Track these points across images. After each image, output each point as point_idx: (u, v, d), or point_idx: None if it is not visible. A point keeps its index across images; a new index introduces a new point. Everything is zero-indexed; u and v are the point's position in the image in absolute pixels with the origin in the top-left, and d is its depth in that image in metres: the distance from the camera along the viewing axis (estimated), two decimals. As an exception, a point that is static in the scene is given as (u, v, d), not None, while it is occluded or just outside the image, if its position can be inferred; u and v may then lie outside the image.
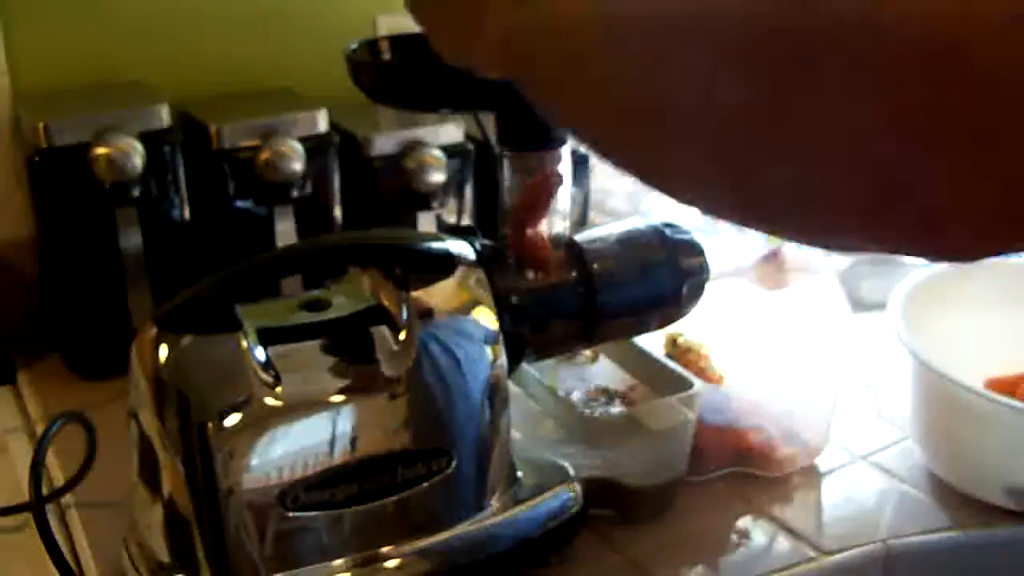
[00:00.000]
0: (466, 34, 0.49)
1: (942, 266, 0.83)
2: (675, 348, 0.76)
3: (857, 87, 0.28)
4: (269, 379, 0.54)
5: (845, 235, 0.34)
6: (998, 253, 0.30)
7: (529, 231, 0.61)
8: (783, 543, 0.69)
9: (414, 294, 0.58)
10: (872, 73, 0.28)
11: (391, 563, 0.58)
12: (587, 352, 0.77)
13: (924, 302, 0.77)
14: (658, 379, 0.72)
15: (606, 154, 0.41)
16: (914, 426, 0.76)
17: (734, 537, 0.69)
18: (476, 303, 0.59)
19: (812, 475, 0.75)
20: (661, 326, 0.67)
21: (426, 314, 0.58)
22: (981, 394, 0.68)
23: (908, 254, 0.34)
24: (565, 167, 0.62)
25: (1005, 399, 0.67)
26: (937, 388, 0.72)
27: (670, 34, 0.35)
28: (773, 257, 1.10)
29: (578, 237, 0.64)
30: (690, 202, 0.38)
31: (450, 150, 0.92)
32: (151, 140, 0.81)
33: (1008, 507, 0.70)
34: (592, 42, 0.38)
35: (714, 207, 0.38)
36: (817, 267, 1.09)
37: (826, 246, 0.36)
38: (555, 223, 0.64)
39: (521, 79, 0.45)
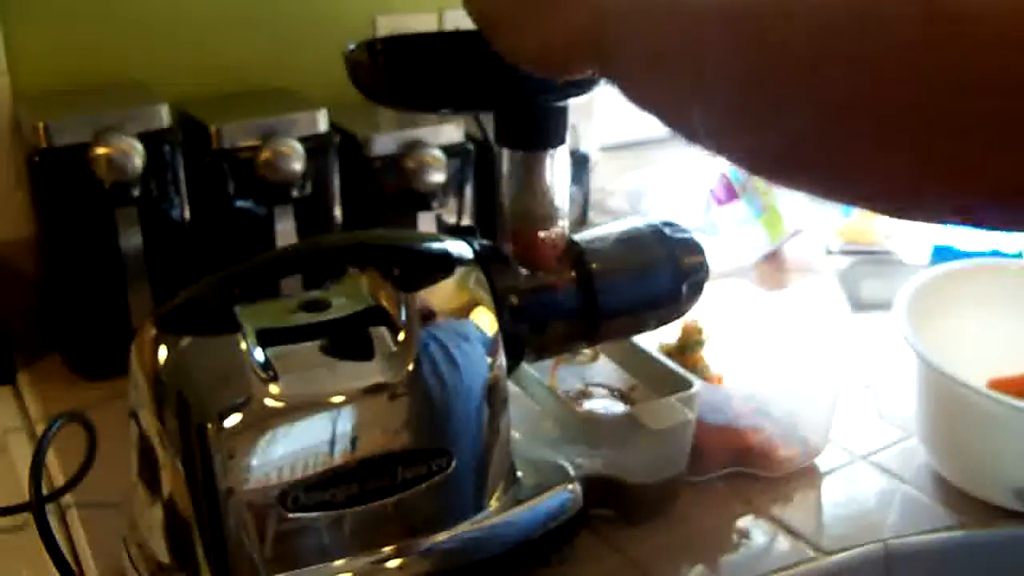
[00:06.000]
0: (541, 26, 0.49)
1: (947, 267, 0.83)
2: (694, 335, 0.77)
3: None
4: (268, 380, 0.54)
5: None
6: None
7: (540, 234, 0.62)
8: (783, 543, 0.69)
9: (413, 294, 0.58)
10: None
11: (391, 563, 0.58)
12: (587, 352, 0.77)
13: (929, 303, 0.77)
14: (658, 379, 0.72)
15: (705, 137, 0.42)
16: (920, 427, 0.76)
17: (734, 537, 0.69)
18: (476, 303, 0.59)
19: (812, 475, 0.75)
20: (661, 325, 0.67)
21: (425, 314, 0.57)
22: (987, 395, 0.68)
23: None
24: (565, 167, 0.62)
25: (1011, 400, 0.67)
26: (943, 389, 0.71)
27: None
28: (773, 257, 1.10)
29: (578, 237, 0.64)
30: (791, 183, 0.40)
31: (450, 150, 0.92)
32: (151, 140, 0.81)
33: (1016, 509, 0.70)
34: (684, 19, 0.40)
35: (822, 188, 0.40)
36: (817, 267, 1.09)
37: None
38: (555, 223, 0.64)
39: (606, 60, 0.46)
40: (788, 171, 0.40)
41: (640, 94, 0.45)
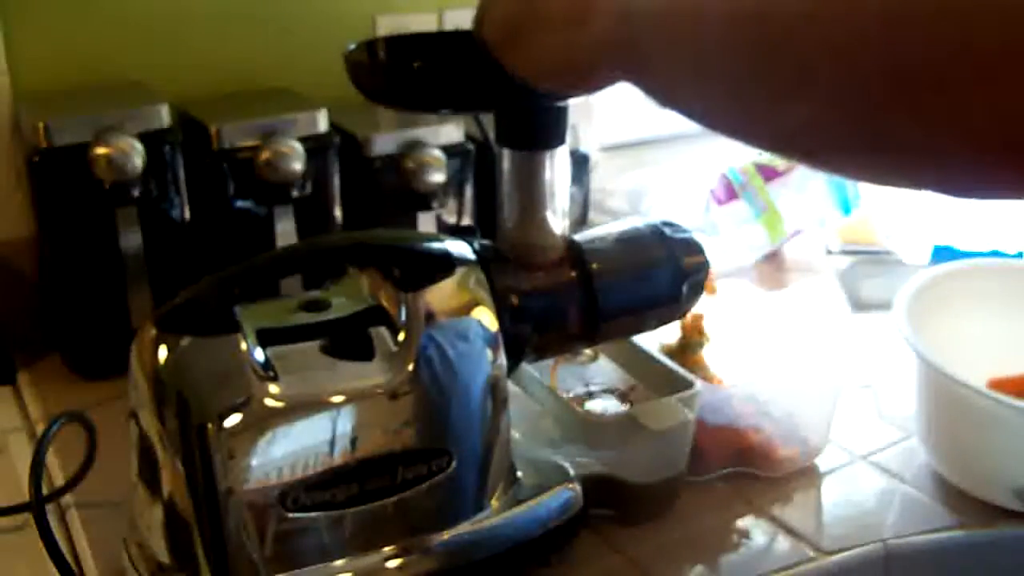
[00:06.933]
0: (564, 39, 0.49)
1: (947, 267, 0.83)
2: (694, 335, 0.77)
3: None
4: (268, 380, 0.54)
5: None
6: None
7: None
8: (783, 543, 0.69)
9: (413, 294, 0.58)
10: None
11: (391, 563, 0.58)
12: (587, 352, 0.77)
13: (929, 302, 0.77)
14: (658, 379, 0.72)
15: (730, 134, 0.42)
16: (919, 427, 0.76)
17: (734, 537, 0.69)
18: (476, 303, 0.59)
19: (812, 475, 0.75)
20: (661, 325, 0.67)
21: (426, 314, 0.57)
22: (987, 395, 0.68)
23: None
24: (565, 167, 0.62)
25: (1011, 400, 0.67)
26: (943, 389, 0.71)
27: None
28: (773, 257, 1.10)
29: (578, 237, 0.64)
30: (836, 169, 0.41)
31: (450, 150, 0.92)
32: (151, 140, 0.81)
33: (1016, 508, 0.70)
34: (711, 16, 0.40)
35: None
36: (817, 267, 1.09)
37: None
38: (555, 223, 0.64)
39: (632, 66, 0.46)
40: (804, 157, 0.41)
41: (654, 95, 0.46)
